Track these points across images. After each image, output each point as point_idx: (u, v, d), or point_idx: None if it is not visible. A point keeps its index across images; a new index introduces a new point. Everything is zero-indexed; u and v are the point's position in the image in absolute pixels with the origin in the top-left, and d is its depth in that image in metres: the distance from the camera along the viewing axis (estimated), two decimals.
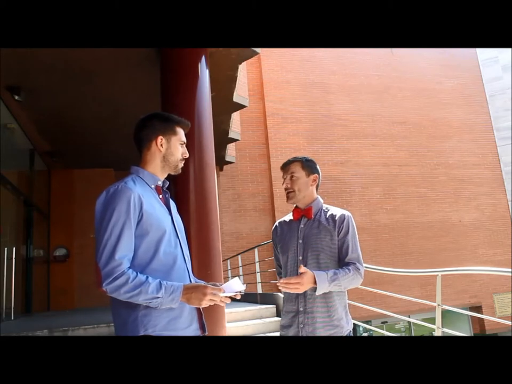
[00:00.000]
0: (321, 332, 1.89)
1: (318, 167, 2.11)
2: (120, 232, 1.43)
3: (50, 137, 7.10)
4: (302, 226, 2.02)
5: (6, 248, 5.63)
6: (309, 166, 2.07)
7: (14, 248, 5.90)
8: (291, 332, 1.95)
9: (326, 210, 2.04)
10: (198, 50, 4.20)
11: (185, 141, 1.70)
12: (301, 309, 1.93)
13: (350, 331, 1.97)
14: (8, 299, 5.61)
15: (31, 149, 7.35)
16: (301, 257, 1.97)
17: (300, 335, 1.91)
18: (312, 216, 2.02)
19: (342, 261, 1.96)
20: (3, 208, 5.52)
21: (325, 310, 1.91)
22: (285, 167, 2.09)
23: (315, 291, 1.83)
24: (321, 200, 2.09)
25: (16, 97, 5.29)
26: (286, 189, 2.06)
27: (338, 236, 1.95)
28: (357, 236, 2.00)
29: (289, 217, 2.14)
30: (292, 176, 2.04)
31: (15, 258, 5.86)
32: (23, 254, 6.86)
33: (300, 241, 2.00)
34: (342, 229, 1.95)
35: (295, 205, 2.09)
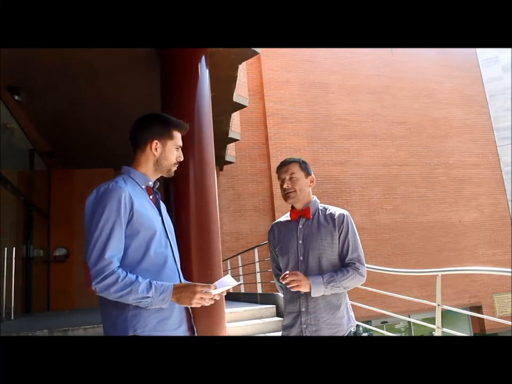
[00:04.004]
0: (325, 330, 1.89)
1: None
2: (111, 231, 1.41)
3: (50, 137, 7.09)
4: (300, 226, 2.01)
5: (6, 248, 5.62)
6: (306, 168, 2.06)
7: (14, 248, 5.89)
8: (293, 332, 1.95)
9: (324, 210, 2.04)
10: (198, 50, 4.20)
11: (181, 145, 1.68)
12: (303, 309, 1.93)
13: (354, 328, 1.99)
14: (8, 299, 5.60)
15: (31, 149, 7.34)
16: (301, 258, 1.96)
17: (304, 334, 1.91)
18: (311, 216, 2.01)
19: (342, 262, 1.96)
20: (3, 208, 5.52)
21: (327, 308, 1.91)
22: (282, 167, 2.05)
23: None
24: (318, 201, 2.08)
25: (16, 97, 5.28)
26: (285, 189, 2.01)
27: (339, 236, 1.95)
28: (357, 235, 2.00)
29: (285, 218, 2.12)
30: (291, 177, 2.01)
31: (15, 258, 5.85)
32: (23, 254, 6.85)
33: (300, 241, 1.99)
34: (342, 228, 1.95)
35: (291, 206, 2.07)
